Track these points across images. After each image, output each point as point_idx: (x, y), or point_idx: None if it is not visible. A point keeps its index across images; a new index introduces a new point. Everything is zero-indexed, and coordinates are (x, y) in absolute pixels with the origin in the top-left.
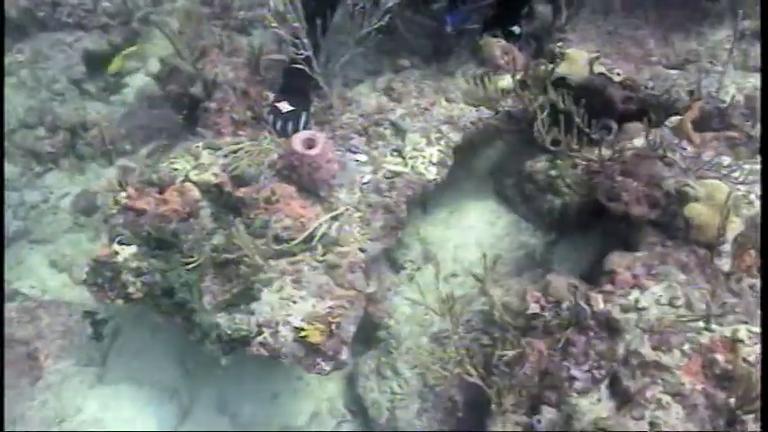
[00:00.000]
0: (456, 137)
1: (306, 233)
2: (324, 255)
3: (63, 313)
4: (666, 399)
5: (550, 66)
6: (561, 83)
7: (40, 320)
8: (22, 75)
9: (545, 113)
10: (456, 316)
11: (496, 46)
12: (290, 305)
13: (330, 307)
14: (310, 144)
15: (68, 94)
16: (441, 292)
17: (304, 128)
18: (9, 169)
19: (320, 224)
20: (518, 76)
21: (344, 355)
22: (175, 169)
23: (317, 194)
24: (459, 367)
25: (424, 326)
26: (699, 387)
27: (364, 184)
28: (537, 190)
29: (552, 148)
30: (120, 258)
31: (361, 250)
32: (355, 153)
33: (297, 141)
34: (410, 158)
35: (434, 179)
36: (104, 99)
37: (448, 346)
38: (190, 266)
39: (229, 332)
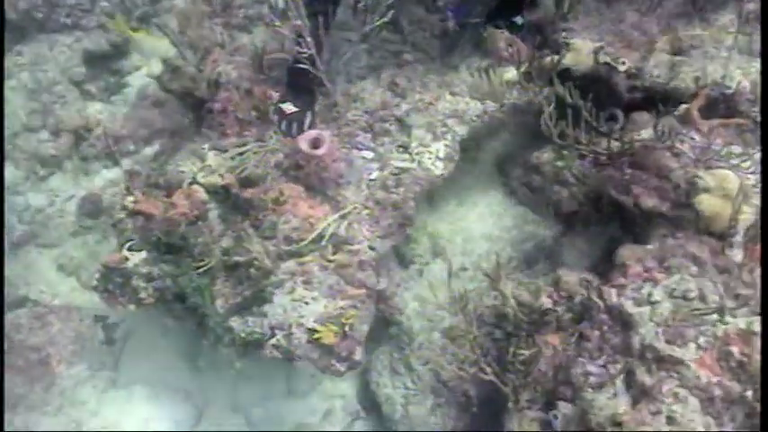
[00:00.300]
0: (462, 131)
1: (315, 233)
2: (334, 254)
3: (74, 318)
4: (683, 392)
5: (556, 57)
6: (566, 74)
7: (52, 326)
8: (22, 77)
9: (551, 107)
10: (470, 315)
11: (500, 38)
12: (302, 306)
13: (342, 307)
14: (316, 143)
15: (70, 96)
16: (453, 289)
17: (309, 127)
18: (13, 173)
19: (329, 224)
20: (523, 68)
21: (358, 355)
22: (182, 172)
23: (324, 193)
24: (475, 367)
25: (435, 321)
26: (715, 380)
27: (371, 181)
28: (544, 181)
29: (560, 142)
30: (130, 264)
31: (371, 248)
32: (361, 150)
33: (303, 141)
34: (416, 154)
35: (441, 174)
36: (106, 99)
37: (462, 344)
38: (200, 270)
39: (243, 335)
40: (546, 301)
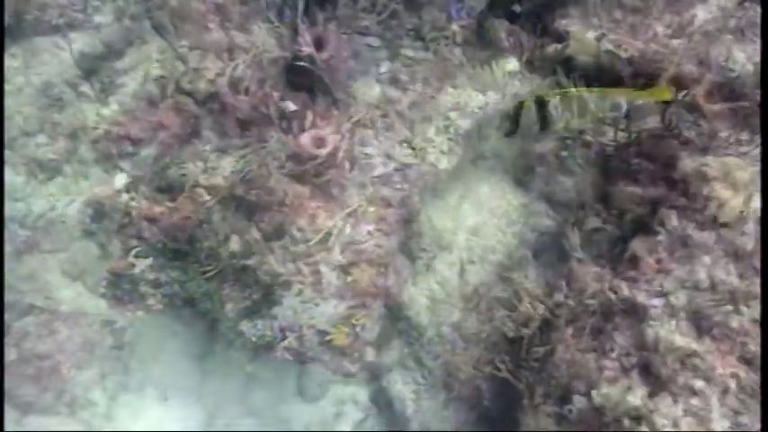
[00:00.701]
0: (464, 123)
1: (321, 233)
2: (341, 253)
3: (81, 324)
4: (698, 385)
5: (558, 46)
6: (568, 62)
7: (59, 333)
8: (17, 81)
9: (557, 98)
10: (483, 314)
11: (501, 28)
12: (312, 308)
13: (352, 307)
14: (319, 142)
15: (66, 99)
16: (463, 287)
17: (311, 126)
18: (12, 179)
19: (335, 223)
20: (524, 58)
21: (370, 355)
22: (184, 175)
23: (329, 192)
24: (489, 365)
25: (444, 315)
26: (730, 371)
27: (375, 177)
28: (548, 171)
29: (564, 134)
30: (136, 270)
31: (378, 246)
32: (364, 147)
33: (305, 140)
34: (420, 149)
35: (445, 168)
36: (103, 101)
37: (476, 342)
38: (208, 275)
39: (254, 339)
40: (557, 296)
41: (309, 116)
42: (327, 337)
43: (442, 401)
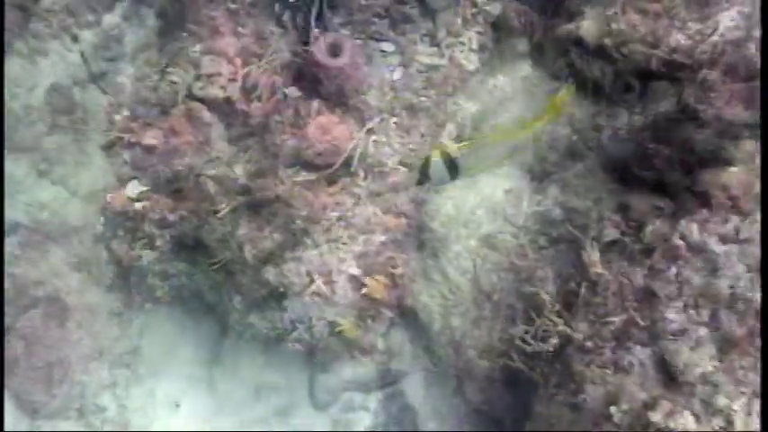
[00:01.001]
0: (472, 107)
1: (331, 219)
2: (345, 244)
3: (89, 316)
4: (717, 375)
5: (570, 27)
6: (580, 43)
7: (67, 325)
8: (15, 72)
9: (570, 81)
10: (496, 308)
11: (511, 9)
12: (320, 302)
13: (362, 308)
14: (325, 131)
15: (65, 89)
16: (475, 292)
17: (316, 114)
18: (14, 170)
19: (341, 216)
20: (535, 39)
21: (380, 347)
22: (190, 166)
23: (334, 182)
24: (503, 357)
25: (451, 307)
26: (748, 363)
27: (388, 183)
28: (559, 157)
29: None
30: (144, 262)
31: (390, 251)
32: (377, 153)
33: (312, 128)
34: (428, 136)
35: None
36: (103, 90)
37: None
38: (215, 267)
39: (264, 331)
40: (570, 285)
41: (315, 105)
42: (338, 329)
43: (452, 390)
